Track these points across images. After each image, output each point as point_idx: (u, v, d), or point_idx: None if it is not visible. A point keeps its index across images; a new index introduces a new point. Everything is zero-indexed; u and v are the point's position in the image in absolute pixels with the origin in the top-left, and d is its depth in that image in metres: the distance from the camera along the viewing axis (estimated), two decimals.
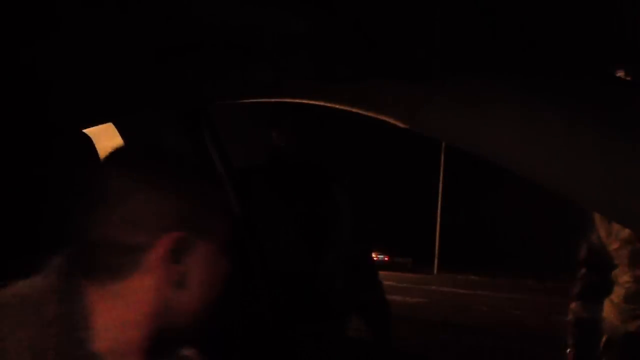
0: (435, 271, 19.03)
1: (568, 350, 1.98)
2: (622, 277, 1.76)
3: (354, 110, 0.95)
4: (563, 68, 0.76)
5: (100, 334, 0.72)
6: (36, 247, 0.79)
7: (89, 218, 0.74)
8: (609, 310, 1.83)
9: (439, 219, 20.65)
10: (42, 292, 0.72)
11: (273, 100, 1.10)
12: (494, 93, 0.79)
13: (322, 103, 1.00)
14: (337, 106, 0.98)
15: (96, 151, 1.23)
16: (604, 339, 1.85)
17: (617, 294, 1.79)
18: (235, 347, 1.37)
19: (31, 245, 0.83)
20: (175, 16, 0.85)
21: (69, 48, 1.00)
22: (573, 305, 2.02)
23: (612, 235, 1.75)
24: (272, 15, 0.77)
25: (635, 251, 1.65)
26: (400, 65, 0.84)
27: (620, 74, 1.05)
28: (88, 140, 1.25)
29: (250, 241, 1.56)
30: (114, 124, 1.40)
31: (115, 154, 0.79)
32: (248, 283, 1.53)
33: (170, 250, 0.72)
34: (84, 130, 1.28)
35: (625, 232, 1.63)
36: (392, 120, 0.92)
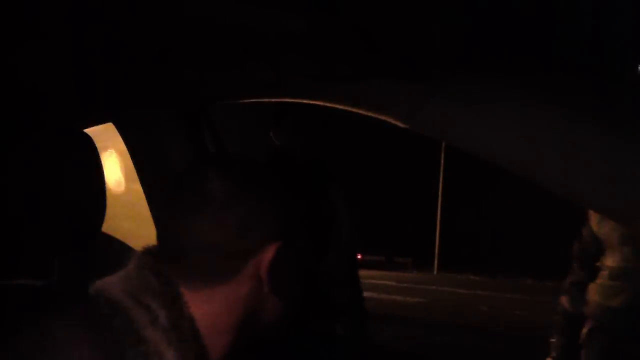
0: (435, 271, 19.02)
1: (552, 339, 2.12)
2: (609, 260, 1.87)
3: (354, 110, 0.96)
4: (563, 68, 0.76)
5: (208, 341, 0.72)
6: (42, 248, 0.78)
7: (186, 222, 0.72)
8: (593, 292, 1.92)
9: (439, 219, 20.63)
10: (153, 295, 0.70)
11: (273, 100, 1.10)
12: (494, 93, 0.79)
13: (322, 103, 1.00)
14: (337, 106, 0.98)
15: (97, 151, 1.23)
16: (585, 329, 1.93)
17: (602, 275, 1.89)
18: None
19: (36, 246, 0.83)
20: (175, 16, 0.85)
21: (69, 48, 1.00)
22: (562, 298, 2.14)
23: (603, 221, 1.86)
24: (272, 15, 0.77)
25: (626, 234, 1.76)
26: (400, 65, 0.84)
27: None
28: (88, 140, 1.25)
29: None
30: (114, 124, 1.40)
31: (212, 159, 0.80)
32: None
33: (271, 259, 0.72)
34: (84, 130, 1.28)
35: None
36: (392, 120, 0.92)
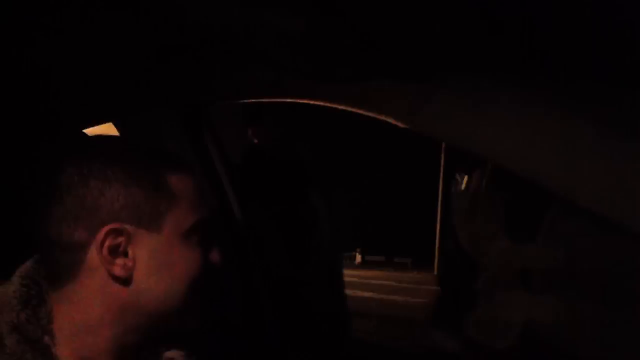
0: (435, 271, 19.02)
1: None
2: (489, 282, 1.35)
3: (354, 110, 0.96)
4: (563, 68, 0.76)
5: (63, 340, 0.69)
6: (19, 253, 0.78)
7: (41, 216, 0.71)
8: (475, 327, 1.39)
9: (439, 219, 20.63)
10: (5, 299, 0.69)
11: (273, 100, 1.10)
12: (494, 93, 0.79)
13: (322, 103, 1.00)
14: (337, 106, 0.98)
15: None
16: None
17: (484, 304, 1.37)
18: (233, 348, 1.37)
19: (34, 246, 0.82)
20: (174, 16, 0.85)
21: (69, 48, 1.00)
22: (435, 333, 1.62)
23: (477, 233, 1.39)
24: (272, 15, 0.77)
25: (502, 248, 1.28)
26: (400, 65, 0.84)
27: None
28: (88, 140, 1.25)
29: (250, 241, 1.56)
30: (114, 124, 1.40)
31: (74, 147, 0.77)
32: (247, 283, 1.53)
33: (109, 244, 0.68)
34: (84, 130, 1.28)
35: (490, 228, 1.30)
36: (392, 120, 0.92)
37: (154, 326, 0.73)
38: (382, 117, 0.93)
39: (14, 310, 0.68)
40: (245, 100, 1.16)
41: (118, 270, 0.70)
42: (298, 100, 1.05)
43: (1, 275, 0.74)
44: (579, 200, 0.77)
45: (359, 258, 23.37)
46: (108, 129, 1.40)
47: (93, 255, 0.69)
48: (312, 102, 1.02)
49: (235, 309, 1.47)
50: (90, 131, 1.30)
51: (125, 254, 0.70)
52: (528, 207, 1.13)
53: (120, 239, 0.69)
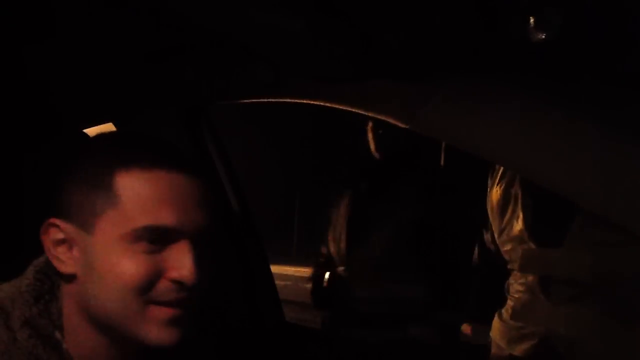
0: None
1: None
2: (514, 286, 1.31)
3: (354, 110, 0.95)
4: (563, 68, 0.76)
5: (70, 335, 0.70)
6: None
7: (36, 204, 0.73)
8: (495, 329, 1.36)
9: None
10: (18, 294, 0.69)
11: (273, 100, 1.09)
12: (494, 93, 0.79)
13: (322, 103, 1.00)
14: (337, 106, 0.98)
15: None
16: None
17: (507, 307, 1.33)
18: (239, 349, 1.37)
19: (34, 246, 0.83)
20: (174, 16, 0.85)
21: (69, 48, 1.00)
22: (464, 326, 1.63)
23: (504, 233, 1.33)
24: (271, 15, 0.77)
25: (528, 252, 1.23)
26: (400, 65, 0.84)
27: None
28: (88, 140, 1.25)
29: (249, 242, 1.56)
30: (114, 124, 1.40)
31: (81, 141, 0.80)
32: (248, 284, 1.53)
33: (51, 238, 0.69)
34: (84, 130, 1.28)
35: (516, 229, 1.26)
36: (392, 120, 0.92)
37: (119, 332, 0.68)
38: (382, 117, 0.93)
39: (26, 305, 0.68)
40: (245, 101, 1.16)
41: (60, 266, 0.69)
42: (298, 100, 1.05)
43: (13, 269, 0.75)
44: (579, 200, 0.77)
45: None
46: (108, 129, 1.40)
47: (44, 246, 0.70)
48: (312, 102, 1.02)
49: (235, 312, 1.47)
50: (90, 131, 1.30)
51: (68, 250, 0.69)
52: (556, 212, 1.10)
53: (61, 235, 0.69)
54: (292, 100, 1.07)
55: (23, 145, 1.20)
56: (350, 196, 2.03)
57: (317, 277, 2.06)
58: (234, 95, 1.18)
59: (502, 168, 1.35)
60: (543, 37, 0.65)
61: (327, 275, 2.00)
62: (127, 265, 0.66)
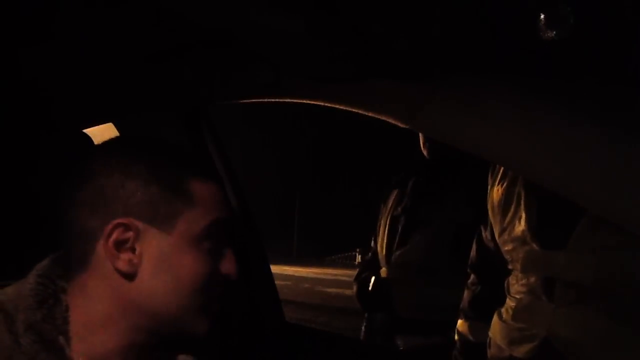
0: None
1: None
2: (515, 287, 1.28)
3: (354, 110, 0.95)
4: (563, 68, 0.76)
5: (76, 340, 0.69)
6: (33, 251, 0.78)
7: (62, 201, 0.71)
8: (495, 329, 1.33)
9: None
10: (21, 297, 0.69)
11: (273, 100, 1.10)
12: (494, 93, 0.79)
13: (322, 103, 1.00)
14: (337, 106, 0.98)
15: None
16: None
17: (507, 308, 1.30)
18: (240, 349, 1.37)
19: (34, 246, 0.83)
20: (174, 16, 0.85)
21: (69, 49, 1.00)
22: (459, 323, 1.58)
23: (505, 233, 1.30)
24: (271, 15, 0.77)
25: (531, 253, 1.20)
26: (400, 65, 0.84)
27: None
28: (88, 140, 1.25)
29: (250, 242, 1.56)
30: (114, 124, 1.40)
31: (105, 142, 0.77)
32: (248, 284, 1.53)
33: (116, 237, 0.68)
34: (84, 130, 1.29)
35: (519, 230, 1.24)
36: (392, 120, 0.92)
37: (161, 328, 0.72)
38: (382, 117, 0.93)
39: (30, 309, 0.68)
40: (245, 101, 1.16)
41: (122, 265, 0.69)
42: (298, 100, 1.05)
43: (14, 273, 0.75)
44: (579, 200, 0.77)
45: (358, 258, 23.39)
46: (108, 129, 1.40)
47: (102, 246, 0.69)
48: (312, 102, 1.02)
49: (235, 312, 1.47)
50: (90, 131, 1.30)
51: (133, 250, 0.70)
52: (561, 213, 1.08)
53: (129, 234, 0.69)
54: (292, 100, 1.07)
55: (23, 145, 1.20)
56: (395, 197, 2.02)
57: (361, 280, 2.04)
58: (234, 95, 1.18)
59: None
60: (553, 35, 0.65)
61: (373, 278, 1.97)
62: (199, 264, 0.72)
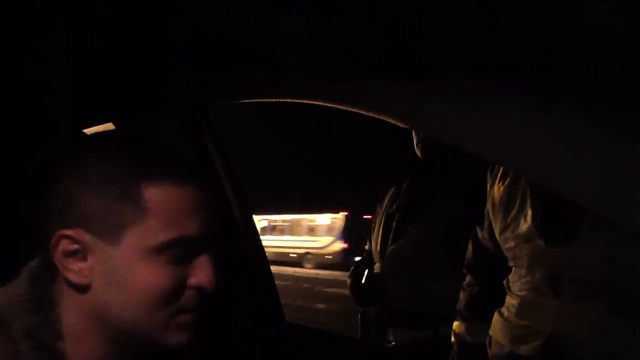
0: None
1: None
2: (517, 284, 1.27)
3: (354, 110, 0.95)
4: (563, 68, 0.76)
5: (71, 345, 0.67)
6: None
7: (32, 209, 0.69)
8: (496, 327, 1.31)
9: None
10: (16, 302, 0.67)
11: (273, 100, 1.10)
12: (494, 93, 0.79)
13: (322, 103, 1.00)
14: (337, 106, 0.98)
15: None
16: None
17: (509, 305, 1.28)
18: (240, 349, 1.37)
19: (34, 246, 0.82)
20: (174, 16, 0.85)
21: (69, 48, 1.00)
22: (455, 324, 1.57)
23: (507, 231, 1.28)
24: (272, 15, 0.77)
25: (536, 249, 1.19)
26: (400, 65, 0.84)
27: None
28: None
29: (249, 242, 1.56)
30: (114, 124, 1.40)
31: (66, 142, 0.75)
32: (248, 284, 1.53)
33: (63, 249, 0.65)
34: (84, 131, 1.29)
35: (523, 227, 1.22)
36: (392, 120, 0.92)
37: (130, 340, 0.68)
38: (382, 117, 0.93)
39: (26, 315, 0.66)
40: (246, 101, 1.16)
41: (72, 276, 0.66)
42: (298, 100, 1.05)
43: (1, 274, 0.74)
44: (579, 200, 0.77)
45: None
46: (108, 129, 1.40)
47: (54, 255, 0.66)
48: (312, 102, 1.02)
49: (235, 312, 1.47)
50: (90, 131, 1.30)
51: (85, 260, 0.66)
52: (567, 210, 1.08)
53: (75, 246, 0.65)
54: (292, 100, 1.07)
55: (22, 145, 1.20)
56: (391, 196, 2.06)
57: (356, 274, 2.08)
58: (234, 95, 1.18)
59: None
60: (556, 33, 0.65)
61: (366, 272, 2.02)
62: (155, 277, 0.66)
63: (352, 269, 2.15)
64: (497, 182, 1.36)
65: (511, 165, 0.97)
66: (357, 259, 2.29)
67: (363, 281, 2.01)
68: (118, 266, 0.65)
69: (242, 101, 1.16)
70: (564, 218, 1.12)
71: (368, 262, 2.08)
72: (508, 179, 1.31)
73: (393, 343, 1.90)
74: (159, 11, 0.84)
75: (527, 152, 0.78)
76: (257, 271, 1.57)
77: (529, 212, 1.21)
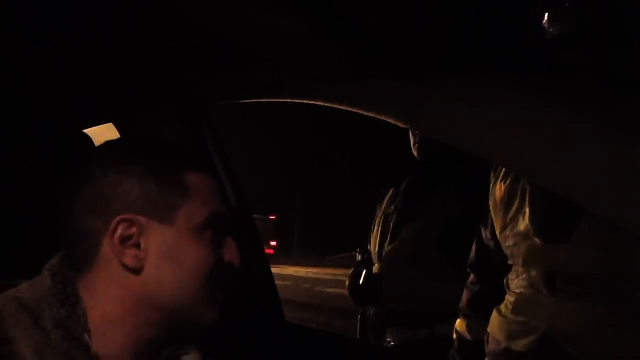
0: None
1: None
2: (515, 282, 1.28)
3: (354, 110, 0.96)
4: (563, 68, 0.76)
5: (95, 337, 0.70)
6: (40, 248, 0.78)
7: (65, 205, 0.73)
8: (494, 324, 1.33)
9: None
10: (43, 296, 0.69)
11: (273, 100, 1.10)
12: (494, 93, 0.79)
13: (322, 103, 1.00)
14: (337, 106, 0.98)
15: None
16: None
17: (507, 303, 1.30)
18: (240, 349, 1.37)
19: (34, 246, 0.83)
20: (174, 16, 0.85)
21: (69, 48, 1.00)
22: (457, 322, 1.58)
23: (507, 229, 1.30)
24: (272, 15, 0.77)
25: (533, 247, 1.21)
26: (400, 65, 0.84)
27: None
28: (88, 140, 1.25)
29: (250, 242, 1.56)
30: (114, 124, 1.40)
31: (101, 144, 0.79)
32: (247, 283, 1.53)
33: (121, 234, 0.70)
34: (84, 130, 1.28)
35: (522, 225, 1.24)
36: (392, 120, 0.92)
37: (171, 321, 0.74)
38: (382, 117, 0.93)
39: (55, 307, 0.69)
40: (245, 101, 1.16)
41: (129, 261, 0.71)
42: (298, 100, 1.05)
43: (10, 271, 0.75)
44: (579, 200, 0.77)
45: (358, 258, 23.39)
46: (108, 129, 1.40)
47: (107, 244, 0.71)
48: (312, 102, 1.02)
49: (235, 312, 1.47)
50: (90, 131, 1.30)
51: (138, 245, 0.71)
52: (565, 209, 1.09)
53: (133, 230, 0.71)
54: (292, 100, 1.07)
55: (22, 145, 1.20)
56: (389, 197, 2.07)
57: (354, 274, 2.09)
58: (234, 95, 1.18)
59: None
60: (557, 32, 0.65)
61: (364, 272, 2.03)
62: (203, 255, 0.74)
63: (352, 271, 2.16)
64: (499, 181, 1.37)
65: (510, 165, 0.97)
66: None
67: (361, 281, 2.02)
68: (173, 245, 0.72)
69: (242, 101, 1.16)
70: (562, 216, 1.13)
71: (367, 262, 2.09)
72: (509, 178, 1.32)
73: (392, 343, 1.90)
74: (159, 11, 0.84)
75: (527, 152, 0.78)
76: (257, 271, 1.57)
77: (527, 211, 1.22)
